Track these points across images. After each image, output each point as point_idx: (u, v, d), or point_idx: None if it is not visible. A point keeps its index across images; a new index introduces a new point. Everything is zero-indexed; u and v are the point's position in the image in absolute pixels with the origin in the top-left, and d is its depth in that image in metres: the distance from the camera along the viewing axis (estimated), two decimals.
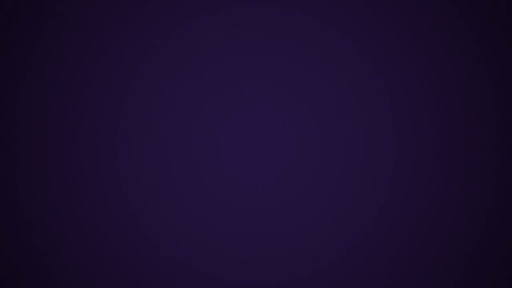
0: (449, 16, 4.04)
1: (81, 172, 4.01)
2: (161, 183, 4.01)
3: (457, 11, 4.03)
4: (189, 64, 4.04)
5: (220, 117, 4.03)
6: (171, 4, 4.06)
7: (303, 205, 4.00)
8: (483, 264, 3.99)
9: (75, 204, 4.01)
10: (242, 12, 4.05)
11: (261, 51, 4.04)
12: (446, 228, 3.99)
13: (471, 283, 3.98)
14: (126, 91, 4.04)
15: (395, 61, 4.03)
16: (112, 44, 4.05)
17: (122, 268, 4.00)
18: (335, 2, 4.03)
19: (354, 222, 3.99)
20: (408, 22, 4.03)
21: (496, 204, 3.99)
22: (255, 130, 4.02)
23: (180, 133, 4.03)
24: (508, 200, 3.99)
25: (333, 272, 3.99)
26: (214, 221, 4.00)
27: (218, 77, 4.04)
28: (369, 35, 4.03)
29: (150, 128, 4.03)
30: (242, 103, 4.03)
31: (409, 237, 3.99)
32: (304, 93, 4.03)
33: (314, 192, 4.00)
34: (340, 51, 4.03)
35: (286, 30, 4.04)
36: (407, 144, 4.01)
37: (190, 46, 4.05)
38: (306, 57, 4.03)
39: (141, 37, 4.05)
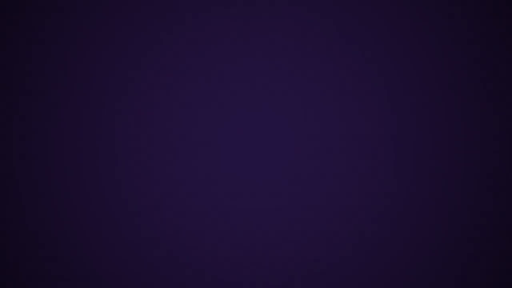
0: (450, 15, 4.06)
1: (79, 170, 4.02)
2: (160, 182, 4.02)
3: (457, 10, 4.05)
4: (189, 63, 4.05)
5: (220, 116, 4.03)
6: (171, 3, 4.07)
7: (303, 205, 4.01)
8: (484, 264, 4.00)
9: (74, 203, 4.01)
10: (242, 11, 4.06)
11: (261, 50, 4.05)
12: (446, 230, 4.00)
13: (471, 283, 3.99)
14: (125, 90, 4.04)
15: (396, 60, 4.04)
16: (112, 43, 4.06)
17: (121, 268, 4.00)
18: (336, 2, 4.05)
19: (354, 223, 4.00)
20: (408, 22, 4.05)
21: (496, 203, 4.00)
22: (255, 130, 4.03)
23: (180, 133, 4.04)
24: (508, 200, 4.00)
25: (333, 272, 3.99)
26: (214, 221, 4.01)
27: (217, 77, 4.05)
28: (370, 35, 4.05)
29: (149, 128, 4.04)
30: (242, 103, 4.04)
31: (410, 236, 4.00)
32: (305, 93, 4.04)
33: (314, 192, 4.01)
34: (341, 51, 4.05)
35: (286, 30, 4.06)
36: (408, 144, 4.02)
37: (189, 46, 4.06)
38: (306, 57, 4.04)
39: (140, 36, 4.06)
